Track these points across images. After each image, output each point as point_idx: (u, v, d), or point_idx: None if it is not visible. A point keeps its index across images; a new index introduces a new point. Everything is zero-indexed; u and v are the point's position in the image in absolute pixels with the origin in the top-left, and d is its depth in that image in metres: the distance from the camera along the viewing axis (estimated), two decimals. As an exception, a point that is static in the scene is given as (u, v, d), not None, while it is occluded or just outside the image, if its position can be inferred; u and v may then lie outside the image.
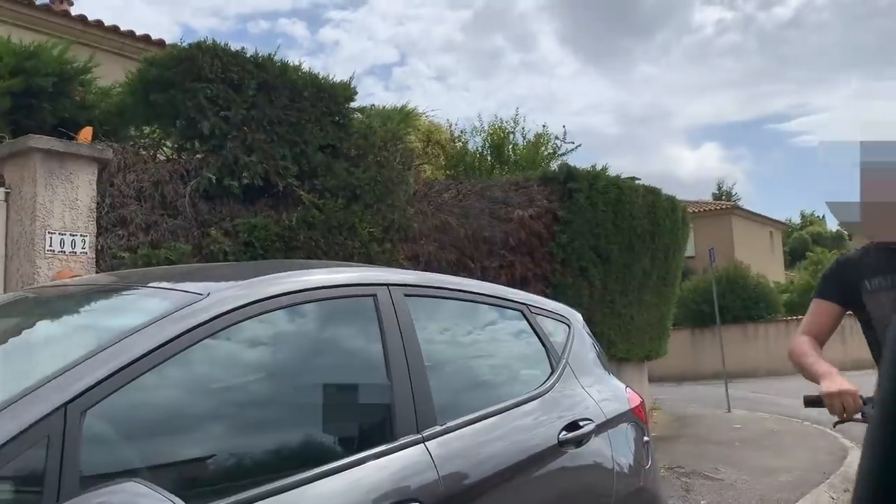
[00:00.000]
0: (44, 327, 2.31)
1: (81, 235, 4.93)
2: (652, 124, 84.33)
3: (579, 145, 13.82)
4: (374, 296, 2.37)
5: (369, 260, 6.40)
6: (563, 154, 13.61)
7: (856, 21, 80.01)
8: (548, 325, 3.20)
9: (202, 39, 5.95)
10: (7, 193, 4.93)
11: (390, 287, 2.44)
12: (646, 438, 3.33)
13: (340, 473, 1.92)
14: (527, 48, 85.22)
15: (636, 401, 3.42)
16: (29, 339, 2.21)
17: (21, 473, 1.49)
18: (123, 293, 2.39)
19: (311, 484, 1.85)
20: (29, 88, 5.85)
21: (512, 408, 2.59)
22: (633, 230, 9.80)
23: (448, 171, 12.41)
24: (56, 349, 1.98)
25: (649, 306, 10.74)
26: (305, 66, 6.53)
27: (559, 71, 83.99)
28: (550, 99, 78.76)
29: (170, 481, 1.77)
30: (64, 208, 4.87)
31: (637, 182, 10.89)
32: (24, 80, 5.79)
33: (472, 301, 2.95)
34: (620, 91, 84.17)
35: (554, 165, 12.26)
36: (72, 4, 11.56)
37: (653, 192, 10.55)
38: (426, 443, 2.18)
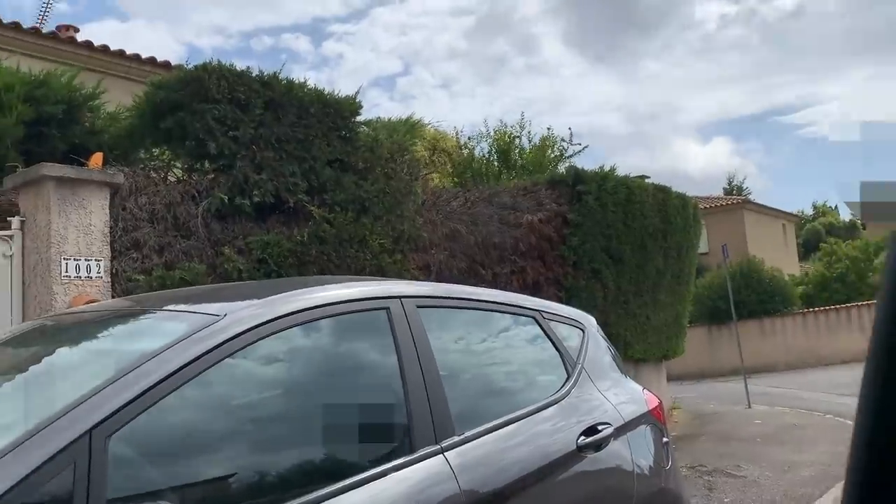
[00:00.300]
0: (64, 354, 2.35)
1: (96, 260, 4.99)
2: (660, 121, 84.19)
3: (586, 146, 13.79)
4: (387, 309, 2.39)
5: (381, 271, 6.43)
6: (571, 156, 13.64)
7: (860, 8, 79.67)
8: (562, 330, 3.21)
9: (208, 61, 6.03)
10: (22, 222, 5.00)
11: (403, 299, 2.46)
12: (665, 439, 3.33)
13: (360, 488, 1.94)
14: (531, 51, 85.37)
15: (654, 402, 3.42)
16: (51, 366, 2.24)
17: (49, 500, 1.51)
18: (141, 317, 2.43)
19: (332, 500, 1.87)
20: (39, 117, 5.93)
21: (528, 415, 2.60)
22: (644, 229, 9.78)
23: (455, 179, 12.44)
24: (78, 376, 2.02)
25: (664, 305, 10.70)
26: (311, 83, 6.60)
27: (564, 72, 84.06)
28: (557, 100, 78.81)
29: (194, 500, 1.80)
30: (78, 234, 4.93)
31: (647, 181, 10.87)
32: (35, 108, 5.88)
33: (484, 310, 2.97)
34: (627, 89, 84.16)
35: (562, 168, 12.26)
36: (77, 31, 11.69)
37: (663, 190, 10.53)
38: (445, 453, 2.19)
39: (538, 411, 2.67)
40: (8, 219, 5.06)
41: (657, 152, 77.62)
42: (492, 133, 13.93)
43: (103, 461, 1.58)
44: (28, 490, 1.46)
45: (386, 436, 2.21)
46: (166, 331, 2.03)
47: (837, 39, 78.72)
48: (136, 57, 10.52)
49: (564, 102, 79.22)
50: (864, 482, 0.63)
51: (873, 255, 23.76)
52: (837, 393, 12.59)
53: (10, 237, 4.98)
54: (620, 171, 10.06)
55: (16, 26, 9.57)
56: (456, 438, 2.26)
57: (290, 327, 2.11)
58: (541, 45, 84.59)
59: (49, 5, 14.33)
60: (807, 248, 38.41)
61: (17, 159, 5.61)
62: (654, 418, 3.33)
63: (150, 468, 1.77)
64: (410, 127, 9.07)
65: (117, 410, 1.62)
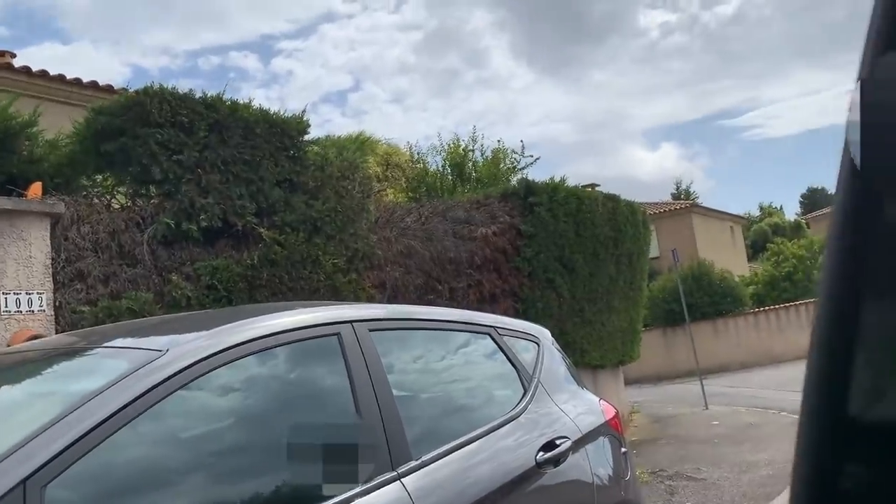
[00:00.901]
0: (3, 397, 2.25)
1: (38, 293, 4.83)
2: (609, 129, 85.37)
3: (538, 158, 13.97)
4: (338, 334, 2.35)
5: (335, 291, 6.35)
6: (523, 168, 13.76)
7: (797, 13, 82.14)
8: (517, 345, 3.20)
9: (149, 84, 5.91)
10: (-43, 257, 4.82)
11: (354, 324, 2.42)
12: (623, 449, 3.35)
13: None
14: (481, 64, 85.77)
15: (611, 413, 3.43)
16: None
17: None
18: (82, 355, 2.35)
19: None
20: (-26, 147, 5.73)
21: (485, 434, 2.58)
22: (595, 238, 9.90)
23: (410, 193, 12.44)
24: (14, 420, 1.93)
25: (618, 312, 10.83)
26: (256, 103, 6.52)
27: (514, 84, 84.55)
28: (509, 112, 79.24)
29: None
30: (18, 267, 4.77)
31: (597, 189, 11.02)
32: (-31, 139, 5.68)
33: (438, 329, 2.95)
34: (576, 98, 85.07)
35: (514, 180, 12.36)
36: (14, 56, 11.36)
37: (612, 198, 10.68)
38: (402, 479, 2.16)
39: (495, 430, 2.65)
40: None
41: (608, 159, 78.79)
42: (446, 147, 14.00)
43: (39, 512, 1.50)
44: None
45: (340, 465, 2.16)
46: (107, 369, 1.96)
47: (777, 44, 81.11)
48: (77, 81, 10.27)
49: (516, 113, 79.90)
50: (811, 480, 0.63)
51: (819, 252, 24.44)
52: (790, 389, 12.86)
53: (-55, 273, 4.79)
54: (572, 180, 10.21)
55: (-52, 54, 9.27)
56: (413, 463, 2.23)
57: (237, 359, 2.05)
58: (490, 58, 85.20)
59: (-17, 30, 13.92)
60: (755, 249, 39.34)
61: (-49, 192, 5.40)
62: (612, 429, 3.35)
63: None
64: (360, 144, 9.03)
65: (52, 458, 1.55)
